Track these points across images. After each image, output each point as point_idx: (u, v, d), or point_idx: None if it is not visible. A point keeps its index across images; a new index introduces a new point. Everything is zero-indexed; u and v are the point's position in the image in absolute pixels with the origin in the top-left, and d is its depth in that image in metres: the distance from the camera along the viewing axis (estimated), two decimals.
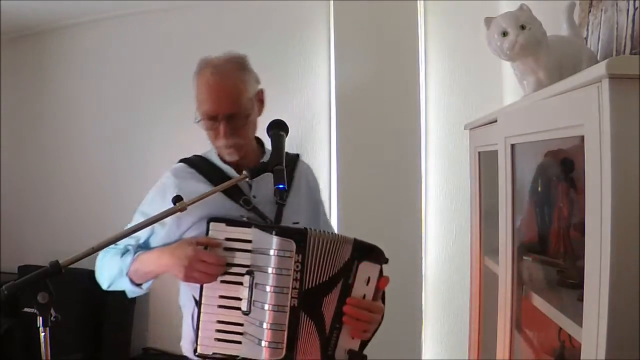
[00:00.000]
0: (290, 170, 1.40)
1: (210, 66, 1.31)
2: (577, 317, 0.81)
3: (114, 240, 0.97)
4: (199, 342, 1.21)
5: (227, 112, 1.26)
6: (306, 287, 1.15)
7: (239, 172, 1.31)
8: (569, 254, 1.11)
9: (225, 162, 1.36)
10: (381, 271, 1.20)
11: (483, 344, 1.54)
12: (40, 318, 0.89)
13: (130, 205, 3.00)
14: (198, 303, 1.22)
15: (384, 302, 1.25)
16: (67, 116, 3.24)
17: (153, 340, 3.01)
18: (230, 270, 1.20)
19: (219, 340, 1.19)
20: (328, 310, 1.16)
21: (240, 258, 1.19)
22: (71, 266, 0.93)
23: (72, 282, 2.77)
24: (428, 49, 2.41)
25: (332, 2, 2.49)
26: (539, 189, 1.23)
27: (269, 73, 2.77)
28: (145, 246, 1.35)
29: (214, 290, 1.21)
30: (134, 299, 2.92)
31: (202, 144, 2.93)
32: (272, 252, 1.14)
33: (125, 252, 1.33)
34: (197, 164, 1.39)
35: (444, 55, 2.39)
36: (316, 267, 1.16)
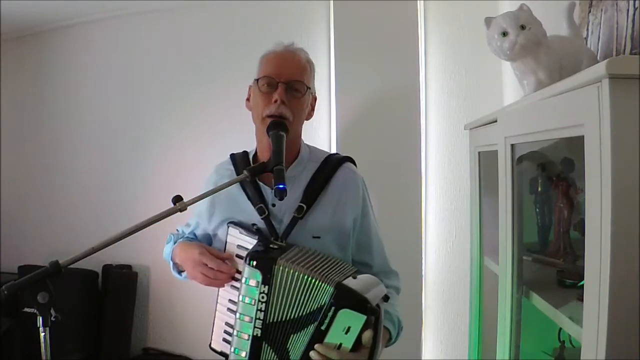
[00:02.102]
0: (326, 177, 1.31)
1: (283, 46, 1.34)
2: (577, 317, 0.81)
3: (114, 241, 0.97)
4: (212, 337, 1.26)
5: (289, 79, 1.26)
6: (271, 320, 1.11)
7: (265, 174, 1.24)
8: (568, 254, 1.11)
9: (255, 163, 1.34)
10: (368, 322, 1.05)
11: (483, 344, 1.54)
12: (40, 318, 0.89)
13: (131, 205, 3.02)
14: (216, 300, 1.26)
15: (373, 353, 1.06)
16: (68, 116, 3.23)
17: (153, 340, 3.01)
18: (239, 278, 1.19)
19: (225, 341, 1.23)
20: (295, 348, 1.10)
21: None
22: (71, 266, 0.93)
23: (72, 282, 2.77)
24: (428, 49, 2.41)
25: (332, 2, 2.49)
26: (539, 189, 1.23)
27: None
28: (194, 236, 1.43)
29: (226, 293, 1.23)
30: (133, 299, 2.93)
31: (203, 144, 2.93)
32: (244, 278, 1.14)
33: (176, 238, 1.41)
34: (238, 162, 1.38)
35: (444, 56, 2.39)
36: (283, 302, 1.11)
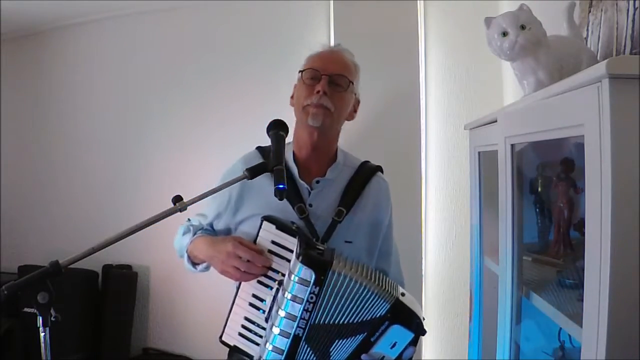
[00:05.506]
0: (361, 184, 1.34)
1: (330, 47, 1.38)
2: (577, 317, 0.81)
3: (114, 241, 0.97)
4: (225, 330, 1.23)
5: (332, 72, 1.28)
6: (315, 321, 1.09)
7: (304, 172, 1.30)
8: (568, 254, 1.11)
9: (294, 160, 1.33)
10: (414, 341, 1.09)
11: (483, 344, 1.53)
12: (40, 318, 0.89)
13: (130, 205, 3.02)
14: (235, 294, 1.23)
15: None
16: (68, 116, 3.23)
17: (153, 340, 3.01)
18: (269, 274, 1.18)
19: (242, 335, 1.21)
20: (338, 354, 1.10)
21: (280, 265, 1.17)
22: (71, 266, 0.93)
23: (72, 282, 2.77)
24: (428, 49, 2.41)
25: (332, 2, 2.49)
26: (539, 189, 1.23)
27: (269, 73, 2.76)
28: (210, 228, 1.38)
29: (250, 287, 1.21)
30: (133, 299, 2.93)
31: (204, 144, 2.93)
32: (292, 275, 1.11)
33: (195, 230, 1.36)
34: (269, 155, 1.35)
35: (444, 56, 2.39)
36: (333, 306, 1.09)
